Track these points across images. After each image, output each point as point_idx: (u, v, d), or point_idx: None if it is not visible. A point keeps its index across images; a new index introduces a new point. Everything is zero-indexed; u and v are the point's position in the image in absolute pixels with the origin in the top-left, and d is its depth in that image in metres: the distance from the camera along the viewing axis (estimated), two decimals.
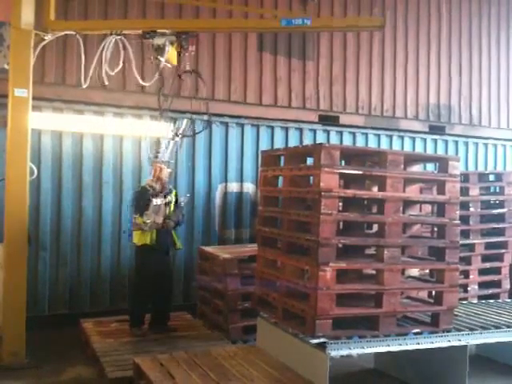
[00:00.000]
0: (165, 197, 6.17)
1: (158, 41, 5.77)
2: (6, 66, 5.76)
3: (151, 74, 6.23)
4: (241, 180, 8.16)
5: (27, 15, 5.62)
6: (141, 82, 6.15)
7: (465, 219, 6.59)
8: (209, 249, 6.93)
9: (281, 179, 5.12)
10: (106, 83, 5.89)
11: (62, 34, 5.93)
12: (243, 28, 6.91)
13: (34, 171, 5.99)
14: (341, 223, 4.81)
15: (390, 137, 9.36)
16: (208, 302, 6.70)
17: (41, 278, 6.92)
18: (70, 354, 5.90)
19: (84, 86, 5.96)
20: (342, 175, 4.45)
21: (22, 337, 5.56)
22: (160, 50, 5.80)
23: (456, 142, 9.94)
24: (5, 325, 5.58)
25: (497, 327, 5.06)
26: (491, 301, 6.43)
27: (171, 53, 5.89)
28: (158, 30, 5.82)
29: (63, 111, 7.07)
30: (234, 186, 8.11)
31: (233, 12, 7.98)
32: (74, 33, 5.89)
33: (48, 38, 5.87)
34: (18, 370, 5.37)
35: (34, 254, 6.73)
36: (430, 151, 9.51)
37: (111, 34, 5.78)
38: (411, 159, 5.06)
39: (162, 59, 5.80)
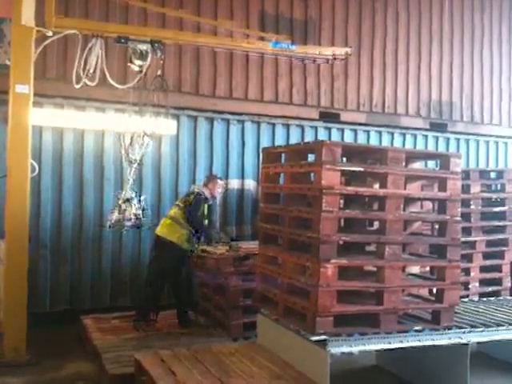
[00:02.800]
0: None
1: (142, 46, 6.16)
2: (7, 62, 5.75)
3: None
4: (242, 177, 8.16)
5: (28, 12, 5.61)
6: (112, 81, 6.30)
7: (466, 216, 6.57)
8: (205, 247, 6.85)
9: (282, 176, 5.12)
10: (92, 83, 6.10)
11: (64, 34, 5.99)
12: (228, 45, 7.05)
13: (35, 168, 5.98)
14: (342, 220, 4.80)
15: (392, 134, 9.34)
16: (209, 298, 6.70)
17: (42, 275, 6.93)
18: (71, 350, 5.92)
19: (77, 86, 6.07)
20: (343, 172, 4.45)
21: (23, 333, 5.56)
22: (142, 55, 6.19)
23: (457, 140, 9.92)
24: (6, 321, 5.59)
25: (498, 325, 5.06)
26: (492, 298, 6.43)
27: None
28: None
29: (64, 107, 7.07)
30: (235, 183, 8.11)
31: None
32: (74, 32, 5.99)
33: (50, 34, 5.89)
34: (19, 366, 5.38)
35: (35, 251, 6.73)
36: (431, 148, 9.49)
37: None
38: (412, 156, 5.05)
39: (140, 62, 6.21)
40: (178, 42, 6.97)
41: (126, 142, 6.41)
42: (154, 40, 6.21)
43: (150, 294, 6.26)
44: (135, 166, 6.39)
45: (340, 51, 7.24)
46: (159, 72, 6.44)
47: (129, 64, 6.34)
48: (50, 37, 5.97)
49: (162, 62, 6.43)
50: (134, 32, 6.37)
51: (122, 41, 6.11)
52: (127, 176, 6.44)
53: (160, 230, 6.34)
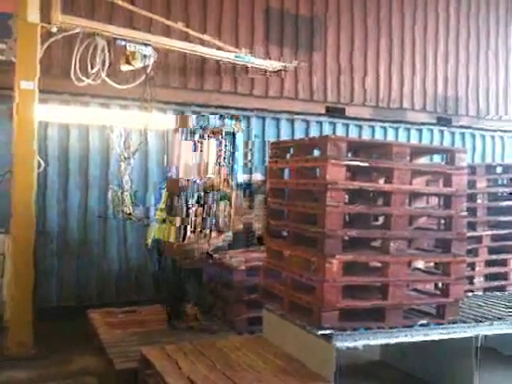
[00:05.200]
0: None
1: (147, 51, 6.45)
2: (12, 59, 5.78)
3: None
4: (250, 172, 8.16)
5: (34, 8, 5.63)
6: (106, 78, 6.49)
7: (472, 211, 6.55)
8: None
9: (287, 171, 5.12)
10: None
11: (70, 33, 6.06)
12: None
13: (41, 164, 6.02)
14: (347, 215, 4.80)
15: (397, 129, 9.33)
16: (215, 293, 6.72)
17: (48, 270, 6.98)
18: (78, 344, 5.94)
19: (80, 84, 6.17)
20: (348, 167, 4.45)
21: (29, 327, 5.61)
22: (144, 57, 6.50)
23: (463, 134, 9.90)
24: (12, 315, 5.63)
25: (502, 319, 5.06)
26: (497, 293, 6.42)
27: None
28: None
29: (70, 103, 7.10)
30: (243, 178, 8.10)
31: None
32: (78, 30, 6.14)
33: (54, 30, 5.93)
34: (25, 360, 5.42)
35: (42, 246, 6.76)
36: (436, 143, 9.48)
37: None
38: (418, 151, 5.04)
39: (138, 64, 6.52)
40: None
41: (116, 136, 6.53)
42: (146, 43, 6.43)
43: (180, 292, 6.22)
44: (131, 160, 6.50)
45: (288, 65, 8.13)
46: (152, 73, 6.58)
47: (125, 64, 6.46)
48: (56, 34, 6.01)
49: (154, 63, 6.63)
50: (138, 36, 6.51)
51: (123, 43, 6.30)
52: (121, 171, 6.57)
53: (157, 235, 6.25)
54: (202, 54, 7.42)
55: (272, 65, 8.04)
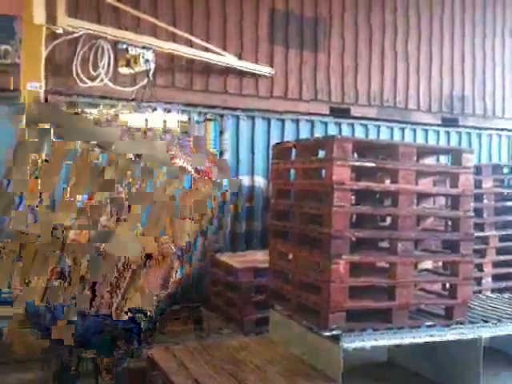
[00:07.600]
0: None
1: (149, 56, 6.56)
2: (17, 61, 5.81)
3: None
4: (252, 173, 8.15)
5: (39, 10, 5.65)
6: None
7: (479, 212, 6.53)
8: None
9: (293, 172, 5.11)
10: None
11: (75, 36, 6.10)
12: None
13: None
14: (353, 216, 4.79)
15: (403, 129, 9.28)
16: (221, 294, 6.72)
17: None
18: None
19: (84, 86, 6.22)
20: (354, 168, 4.43)
21: None
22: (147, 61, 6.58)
23: (469, 134, 9.84)
24: None
25: (511, 319, 5.03)
26: (505, 294, 6.39)
27: None
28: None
29: (78, 104, 7.09)
30: (245, 180, 8.10)
31: None
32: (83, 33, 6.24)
33: (60, 31, 5.96)
34: (32, 362, 5.41)
35: None
36: (443, 143, 9.43)
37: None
38: (424, 151, 5.02)
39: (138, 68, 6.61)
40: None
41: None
42: (146, 46, 6.46)
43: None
44: None
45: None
46: (151, 78, 6.64)
47: (124, 67, 6.48)
48: (61, 36, 6.04)
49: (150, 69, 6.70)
50: (144, 41, 6.59)
51: (124, 46, 6.33)
52: None
53: None
54: (206, 59, 7.55)
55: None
